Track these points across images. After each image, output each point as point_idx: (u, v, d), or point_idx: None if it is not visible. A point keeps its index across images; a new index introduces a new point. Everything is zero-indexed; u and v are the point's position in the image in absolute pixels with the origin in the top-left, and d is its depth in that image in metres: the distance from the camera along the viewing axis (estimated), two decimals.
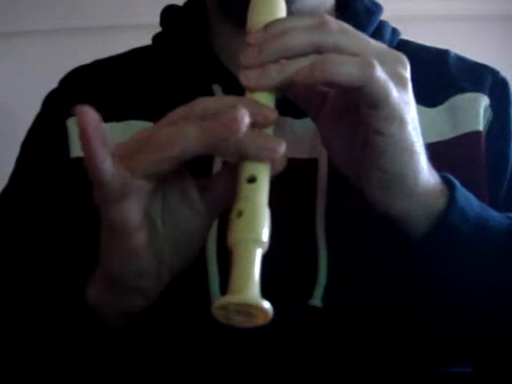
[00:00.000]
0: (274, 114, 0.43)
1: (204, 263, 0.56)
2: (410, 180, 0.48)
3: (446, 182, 0.51)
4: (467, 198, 0.51)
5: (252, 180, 0.41)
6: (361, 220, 0.52)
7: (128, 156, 0.42)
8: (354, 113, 0.47)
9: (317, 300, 0.55)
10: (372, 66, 0.42)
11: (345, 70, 0.42)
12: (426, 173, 0.49)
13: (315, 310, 0.55)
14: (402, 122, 0.45)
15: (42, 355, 0.52)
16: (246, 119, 0.40)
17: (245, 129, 0.40)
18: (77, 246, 0.58)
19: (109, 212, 0.43)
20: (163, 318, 0.55)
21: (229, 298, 0.38)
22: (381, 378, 0.56)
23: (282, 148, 0.41)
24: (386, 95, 0.43)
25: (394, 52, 0.46)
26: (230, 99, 0.44)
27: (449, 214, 0.49)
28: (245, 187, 0.41)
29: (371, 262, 0.55)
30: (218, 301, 0.39)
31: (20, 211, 0.65)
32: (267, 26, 0.45)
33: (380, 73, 0.43)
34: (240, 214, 0.40)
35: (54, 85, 0.73)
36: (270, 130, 0.44)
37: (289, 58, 0.44)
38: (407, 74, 0.46)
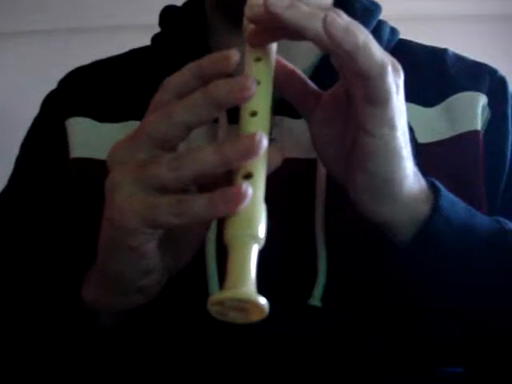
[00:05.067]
0: (234, 53, 0.42)
1: (203, 261, 0.56)
2: (396, 185, 0.48)
3: (431, 187, 0.51)
4: (453, 205, 0.51)
5: (248, 176, 0.41)
6: (360, 220, 0.52)
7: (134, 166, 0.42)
8: (345, 116, 0.47)
9: (316, 300, 0.55)
10: (387, 66, 0.43)
11: (370, 61, 0.43)
12: (411, 178, 0.49)
13: (314, 309, 0.55)
14: (393, 126, 0.46)
15: (37, 354, 0.52)
16: (264, 144, 0.40)
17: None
18: (75, 246, 0.58)
19: (125, 238, 0.43)
20: (162, 316, 0.55)
21: (224, 293, 0.38)
22: (380, 377, 0.56)
23: (249, 83, 0.40)
24: (389, 97, 0.44)
25: (391, 59, 0.47)
26: (192, 64, 0.43)
27: (432, 222, 0.49)
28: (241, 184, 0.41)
29: (370, 262, 0.55)
30: (214, 296, 0.38)
31: (19, 211, 0.65)
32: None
33: (391, 75, 0.44)
34: None
35: (53, 85, 0.73)
36: (265, 123, 0.43)
37: None
38: (401, 82, 0.46)
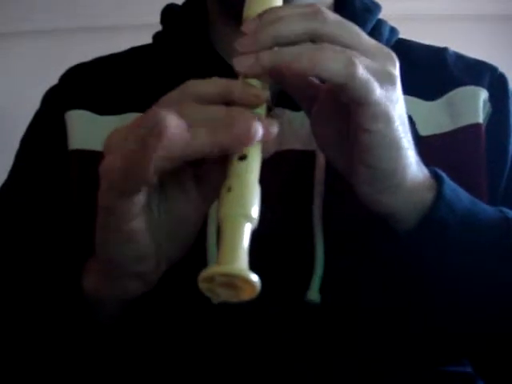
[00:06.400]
0: (264, 94, 0.43)
1: (204, 250, 0.56)
2: (398, 176, 0.48)
3: (434, 176, 0.51)
4: (456, 192, 0.51)
5: (243, 158, 0.41)
6: (358, 211, 0.52)
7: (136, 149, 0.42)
8: (344, 109, 0.47)
9: (314, 292, 0.55)
10: (354, 65, 0.42)
11: (329, 67, 0.42)
12: (413, 168, 0.49)
13: (312, 302, 0.55)
14: (387, 119, 0.45)
15: (38, 346, 0.52)
16: (259, 133, 0.40)
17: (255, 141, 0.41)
18: (76, 238, 0.58)
19: (114, 201, 0.43)
20: (162, 304, 0.55)
21: (215, 269, 0.38)
22: (379, 374, 0.56)
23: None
24: (367, 93, 0.43)
25: (385, 49, 0.46)
26: (223, 82, 0.44)
27: (436, 209, 0.49)
28: (235, 164, 0.42)
29: (369, 253, 0.56)
30: (205, 271, 0.38)
31: (19, 204, 0.65)
32: (261, 14, 0.45)
33: (361, 72, 0.43)
34: (230, 189, 0.40)
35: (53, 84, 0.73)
36: (262, 111, 0.44)
37: (283, 45, 0.44)
38: (396, 71, 0.46)
